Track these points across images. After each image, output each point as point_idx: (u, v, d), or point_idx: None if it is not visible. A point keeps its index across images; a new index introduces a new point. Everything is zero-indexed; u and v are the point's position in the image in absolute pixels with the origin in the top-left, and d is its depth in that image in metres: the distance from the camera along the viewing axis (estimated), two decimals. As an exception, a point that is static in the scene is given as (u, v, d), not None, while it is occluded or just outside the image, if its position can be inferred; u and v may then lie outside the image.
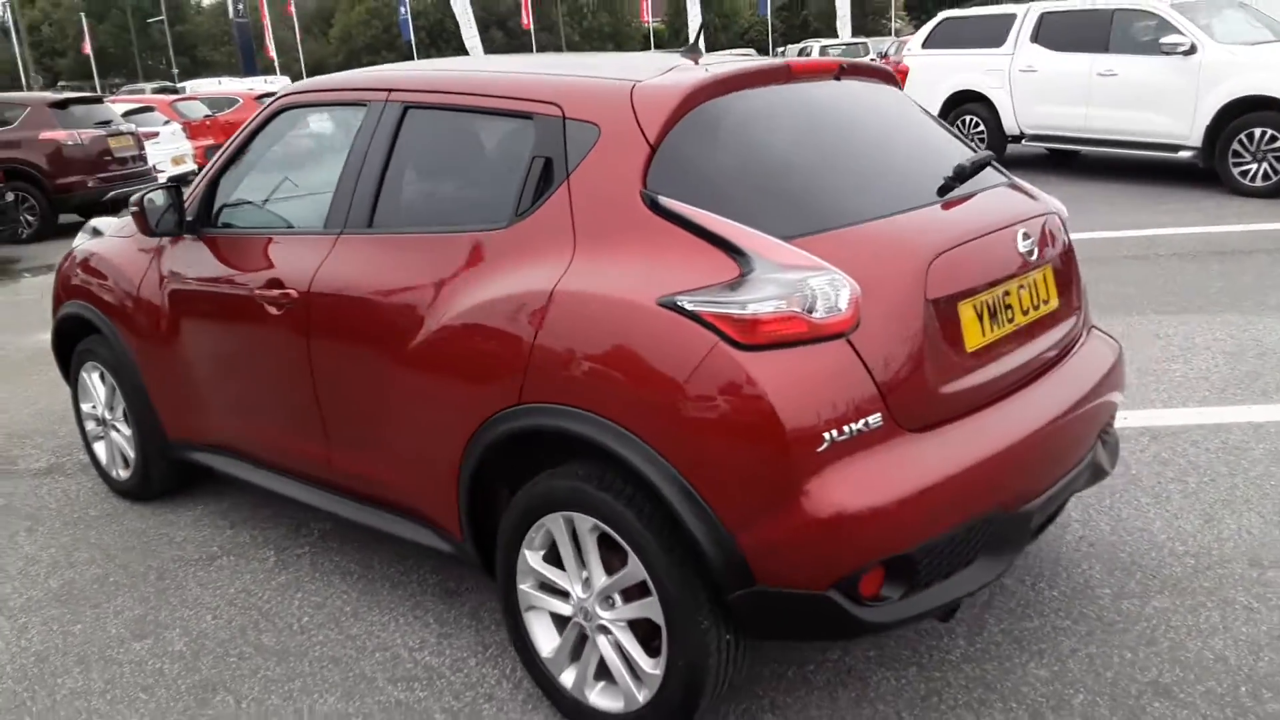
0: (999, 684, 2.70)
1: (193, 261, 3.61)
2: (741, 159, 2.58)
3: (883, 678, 2.76)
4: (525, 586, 2.68)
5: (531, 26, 43.80)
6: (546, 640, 2.68)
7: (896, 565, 2.26)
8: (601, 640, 2.53)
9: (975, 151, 2.95)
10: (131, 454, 4.15)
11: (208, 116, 18.66)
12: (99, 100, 12.74)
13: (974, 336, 2.47)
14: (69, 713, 2.86)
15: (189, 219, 3.62)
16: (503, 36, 57.85)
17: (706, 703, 2.42)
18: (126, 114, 14.22)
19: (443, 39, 54.80)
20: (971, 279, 2.48)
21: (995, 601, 3.07)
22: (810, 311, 2.20)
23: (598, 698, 2.58)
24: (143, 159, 13.59)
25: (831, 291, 2.22)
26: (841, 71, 2.95)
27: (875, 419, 2.24)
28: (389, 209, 3.02)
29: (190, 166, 15.27)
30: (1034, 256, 2.68)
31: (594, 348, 2.37)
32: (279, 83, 32.02)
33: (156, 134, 15.10)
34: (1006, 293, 2.60)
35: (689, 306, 2.24)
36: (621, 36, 66.80)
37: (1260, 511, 3.49)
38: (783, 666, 2.83)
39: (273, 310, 3.22)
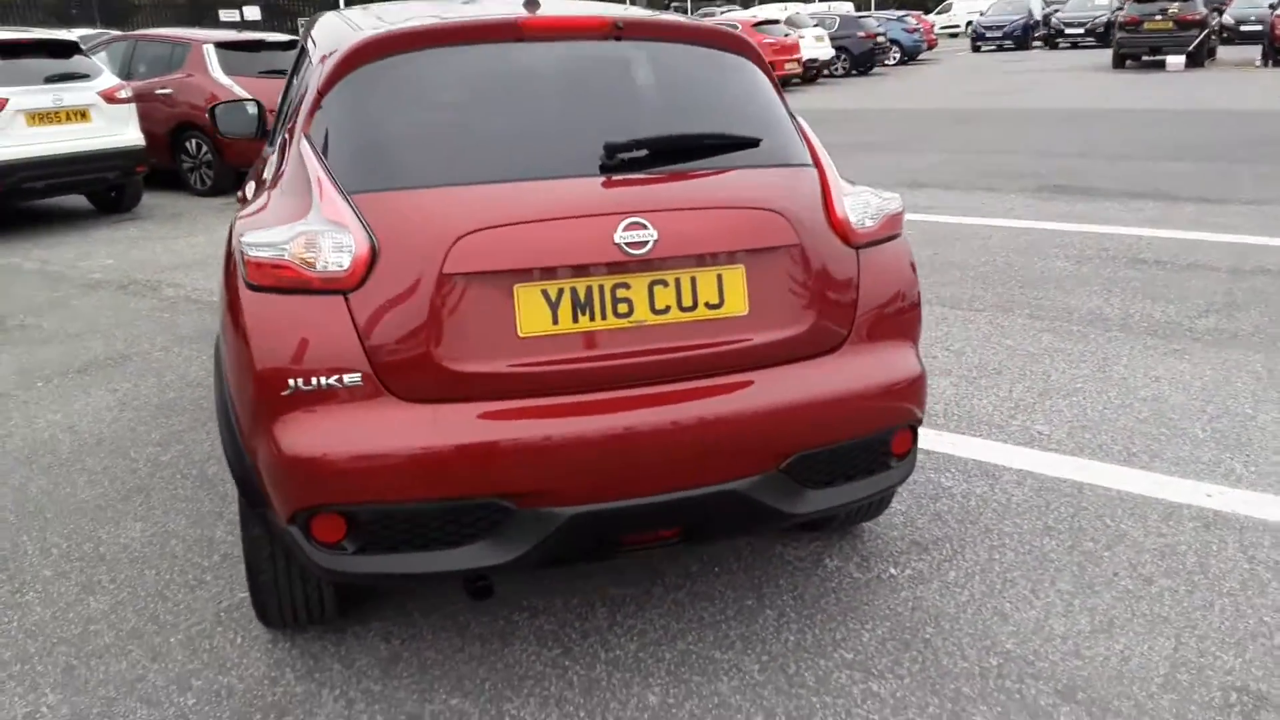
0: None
1: None
2: (390, 115, 2.64)
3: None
4: None
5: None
6: None
7: (352, 518, 2.37)
8: None
9: (732, 136, 2.69)
10: None
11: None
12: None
13: (534, 322, 2.37)
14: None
15: None
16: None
17: (274, 608, 2.86)
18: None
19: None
20: (531, 261, 2.37)
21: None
22: (308, 264, 2.32)
23: None
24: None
25: (334, 248, 2.32)
26: (617, 31, 2.75)
27: (354, 378, 2.32)
28: None
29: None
30: (643, 251, 2.40)
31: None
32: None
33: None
34: (623, 284, 2.41)
35: (237, 242, 2.46)
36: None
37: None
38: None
39: None
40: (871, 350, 2.67)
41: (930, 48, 36.68)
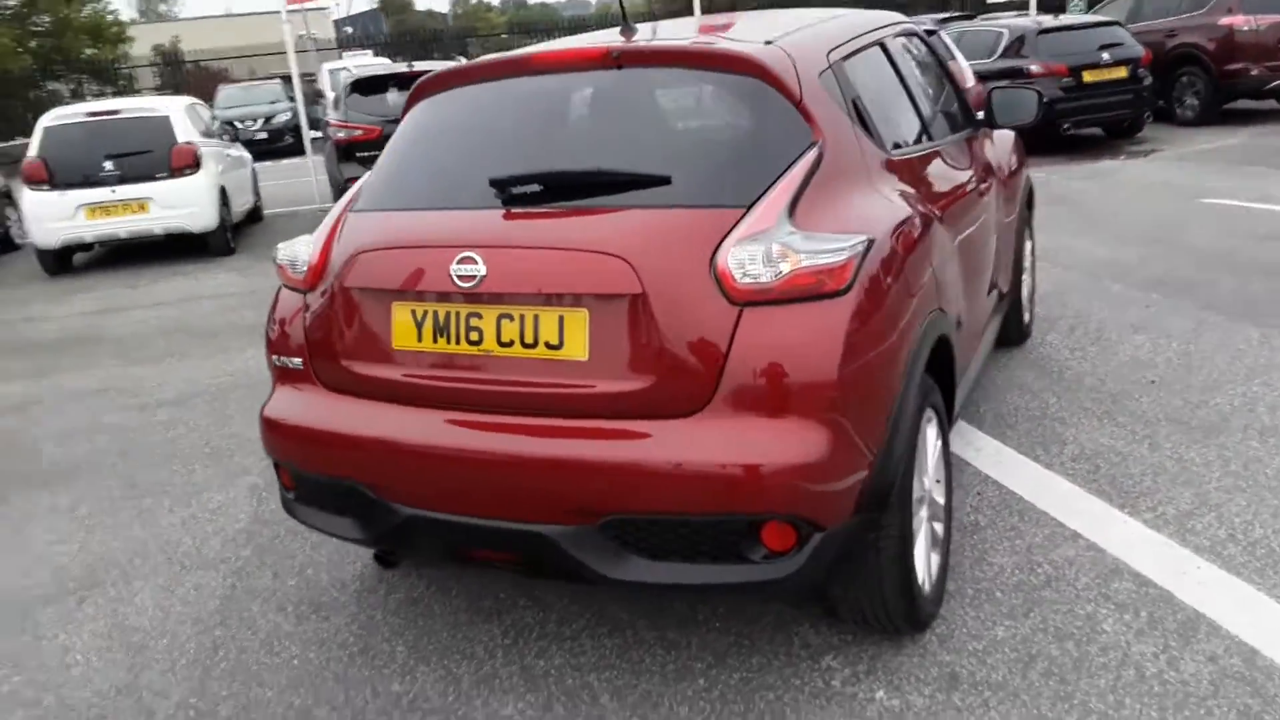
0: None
1: None
2: (413, 146, 3.04)
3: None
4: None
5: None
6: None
7: (292, 474, 2.86)
8: None
9: (633, 174, 2.52)
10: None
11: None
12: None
13: (404, 338, 2.59)
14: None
15: None
16: None
17: None
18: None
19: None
20: (400, 283, 2.60)
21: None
22: (291, 267, 2.86)
23: None
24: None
25: (299, 258, 2.85)
26: (616, 60, 2.74)
27: (297, 362, 2.82)
28: None
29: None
30: (470, 285, 2.45)
31: None
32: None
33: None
34: (475, 314, 2.48)
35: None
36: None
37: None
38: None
39: None
40: (738, 421, 2.28)
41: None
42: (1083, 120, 11.84)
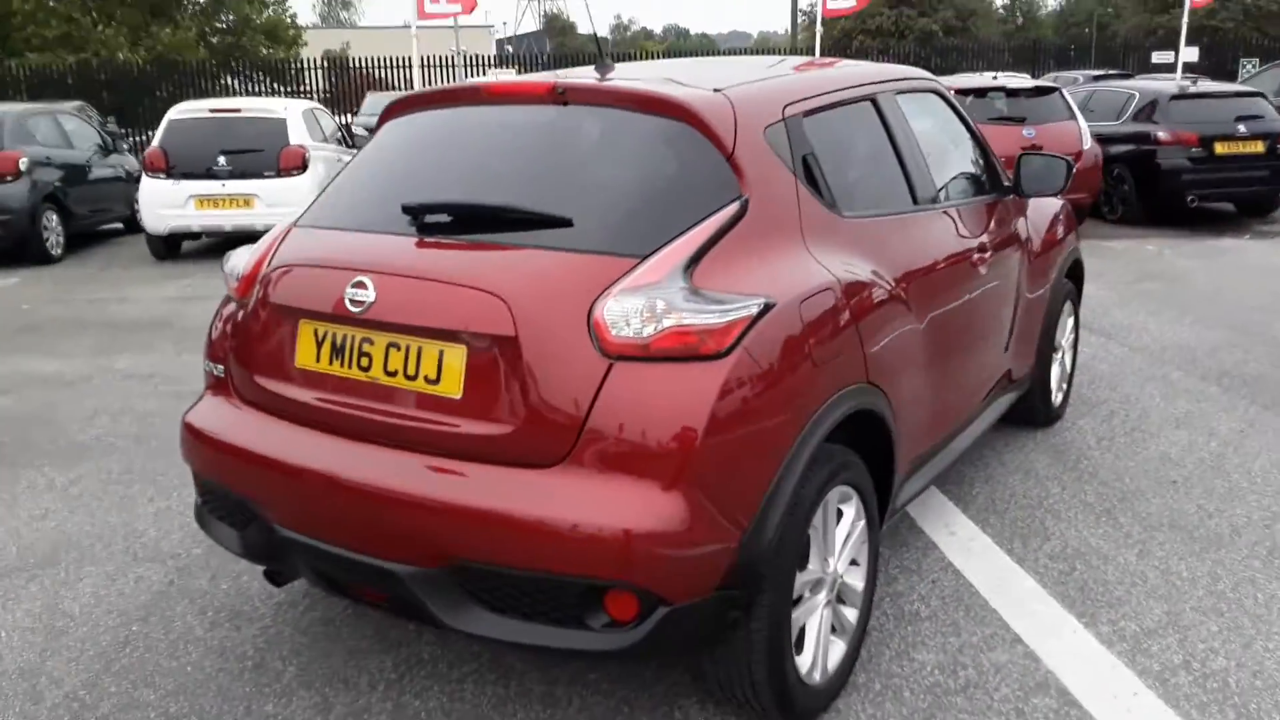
0: None
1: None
2: (361, 166, 3.08)
3: None
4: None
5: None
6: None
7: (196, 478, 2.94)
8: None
9: (535, 213, 2.48)
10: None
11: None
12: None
13: (305, 356, 2.61)
14: None
15: None
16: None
17: None
18: None
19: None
20: (303, 303, 2.63)
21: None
22: (231, 277, 2.91)
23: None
24: None
25: (237, 268, 2.90)
26: (561, 96, 2.71)
27: (219, 370, 2.88)
28: None
29: None
30: (360, 310, 2.44)
31: None
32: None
33: None
34: (367, 339, 2.48)
35: None
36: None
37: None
38: None
39: None
40: (592, 480, 2.19)
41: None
42: (1210, 194, 11.18)
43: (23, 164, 10.24)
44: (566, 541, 2.17)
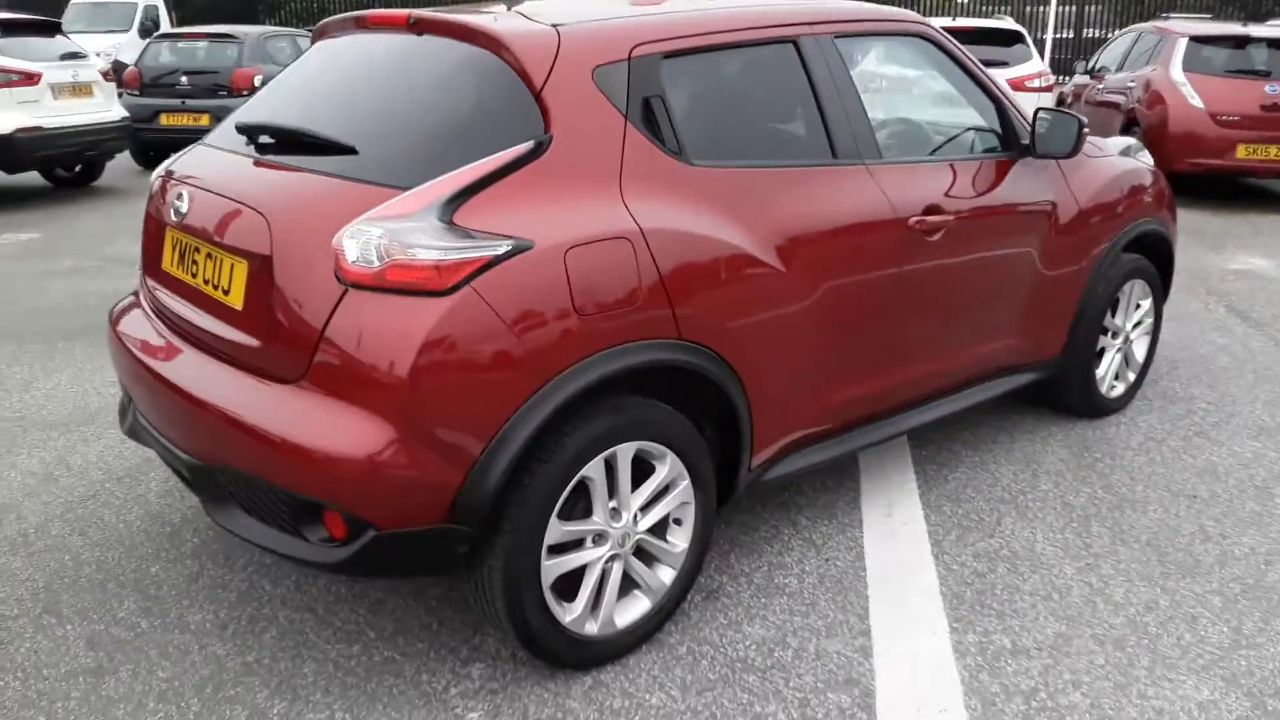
0: None
1: None
2: (268, 88, 3.19)
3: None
4: None
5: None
6: None
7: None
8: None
9: (327, 139, 2.60)
10: None
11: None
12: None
13: (169, 260, 2.88)
14: None
15: None
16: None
17: None
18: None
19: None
20: (163, 213, 2.91)
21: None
22: (151, 188, 3.12)
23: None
24: None
25: (153, 179, 3.12)
26: (415, 26, 2.78)
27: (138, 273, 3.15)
28: None
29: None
30: (178, 220, 2.77)
31: None
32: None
33: None
34: (196, 248, 2.72)
35: None
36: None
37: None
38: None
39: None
40: (317, 401, 2.32)
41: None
42: None
43: (257, 80, 11.31)
44: (290, 457, 2.31)
